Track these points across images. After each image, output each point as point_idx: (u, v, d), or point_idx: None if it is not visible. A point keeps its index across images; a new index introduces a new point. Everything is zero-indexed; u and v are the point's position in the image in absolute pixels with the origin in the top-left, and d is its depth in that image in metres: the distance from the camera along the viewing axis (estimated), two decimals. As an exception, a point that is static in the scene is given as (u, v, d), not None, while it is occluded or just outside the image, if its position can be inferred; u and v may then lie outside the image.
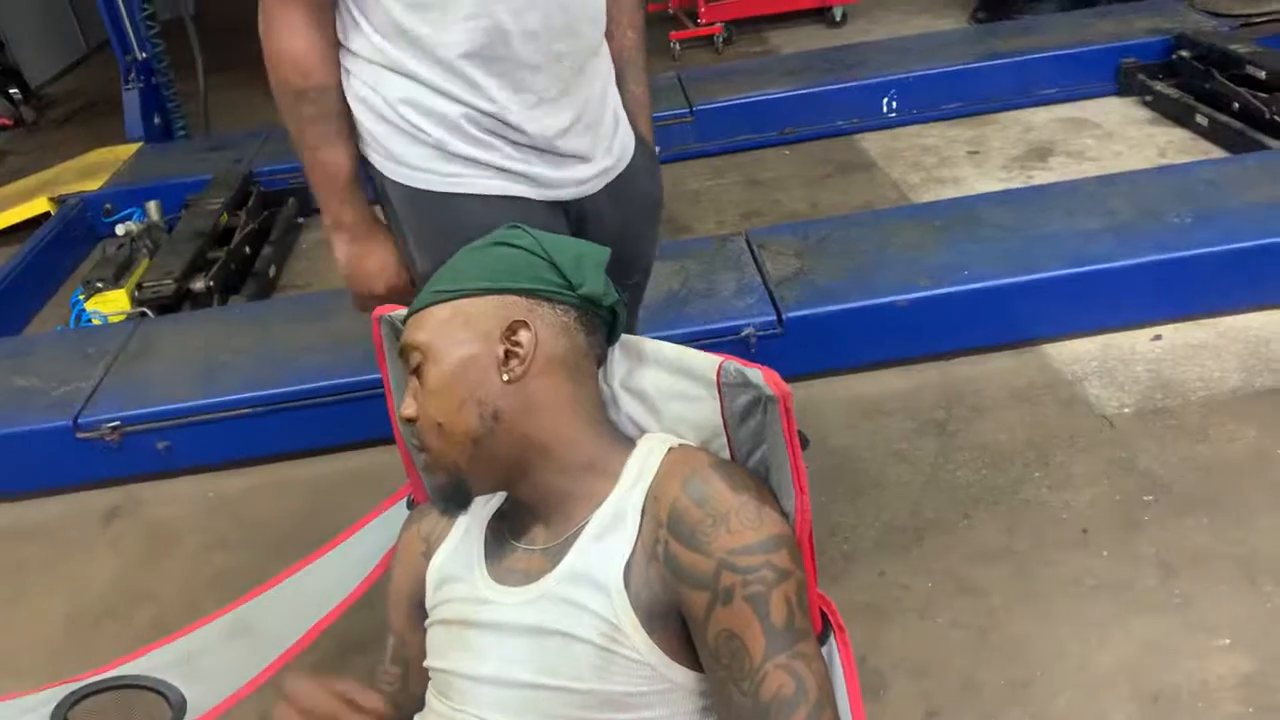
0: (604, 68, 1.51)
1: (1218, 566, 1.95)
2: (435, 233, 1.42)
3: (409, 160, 1.40)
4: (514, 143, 1.40)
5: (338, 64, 1.38)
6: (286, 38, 1.34)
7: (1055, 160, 3.74)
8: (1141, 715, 1.70)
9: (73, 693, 1.22)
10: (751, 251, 2.88)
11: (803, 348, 2.60)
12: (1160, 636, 1.83)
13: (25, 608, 2.33)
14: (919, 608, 1.96)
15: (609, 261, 1.51)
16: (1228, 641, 1.81)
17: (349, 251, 1.49)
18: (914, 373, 2.65)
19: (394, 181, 1.44)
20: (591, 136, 1.47)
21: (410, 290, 1.47)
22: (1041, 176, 3.61)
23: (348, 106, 1.40)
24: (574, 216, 1.50)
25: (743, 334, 2.58)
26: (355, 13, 1.35)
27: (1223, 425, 2.31)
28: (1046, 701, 1.75)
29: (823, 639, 1.07)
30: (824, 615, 1.08)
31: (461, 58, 1.33)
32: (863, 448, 2.41)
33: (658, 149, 5.25)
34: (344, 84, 1.40)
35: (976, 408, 2.49)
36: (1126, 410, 2.40)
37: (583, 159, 1.47)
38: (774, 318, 2.59)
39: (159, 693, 1.24)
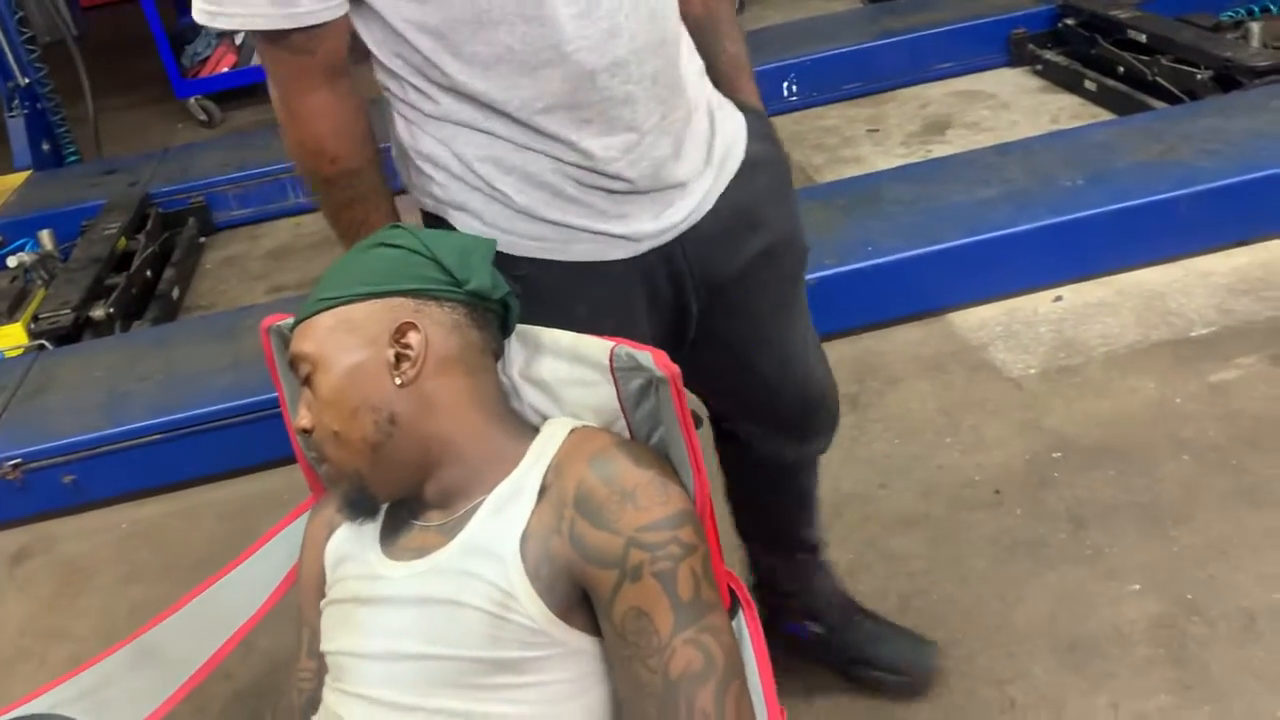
0: (689, 57, 1.26)
1: (1125, 515, 2.01)
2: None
3: (489, 219, 1.20)
4: (611, 192, 1.19)
5: (368, 139, 1.20)
6: (309, 123, 1.16)
7: (953, 133, 3.81)
8: (1059, 666, 1.74)
9: (-30, 738, 1.18)
10: (659, 241, 2.89)
11: (715, 333, 2.61)
12: (1074, 588, 1.88)
13: (-68, 658, 2.24)
14: (842, 579, 1.98)
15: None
16: (1138, 587, 1.86)
17: None
18: (825, 350, 2.67)
19: None
20: (689, 156, 1.24)
21: None
22: (940, 150, 3.68)
23: (383, 180, 1.23)
24: (690, 255, 1.26)
25: (655, 323, 2.59)
26: (405, 72, 1.16)
27: (1123, 379, 2.38)
28: (969, 661, 1.78)
29: (731, 614, 1.07)
30: (732, 592, 1.08)
31: (542, 114, 1.13)
32: (780, 427, 2.43)
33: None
34: (406, 137, 1.22)
35: (888, 380, 2.53)
36: (1032, 371, 2.46)
37: (681, 187, 1.24)
38: (685, 305, 2.60)
39: (63, 730, 1.21)
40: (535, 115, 1.13)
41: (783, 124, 4.16)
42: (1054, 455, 2.19)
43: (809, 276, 2.57)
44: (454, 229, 1.22)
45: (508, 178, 1.17)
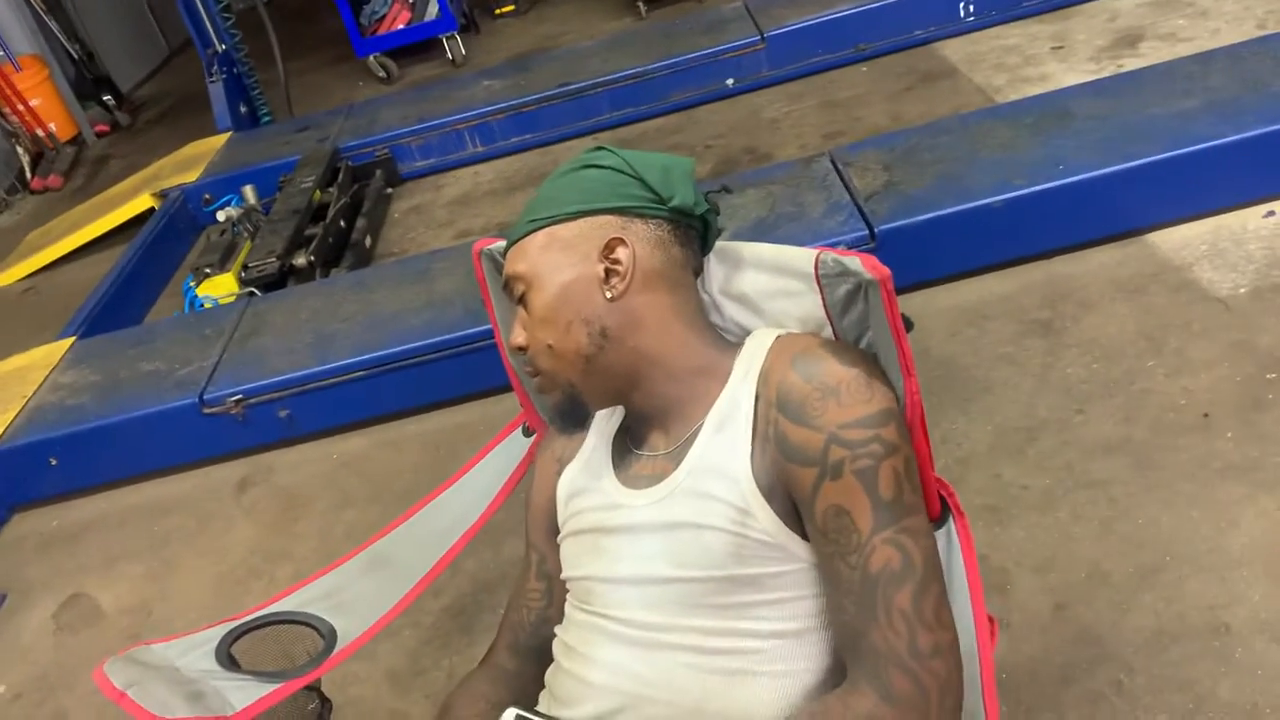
0: None
1: (1351, 438, 1.89)
2: None
3: None
4: None
5: None
6: None
7: (1146, 46, 3.59)
8: (1278, 593, 1.66)
9: (232, 630, 1.30)
10: (837, 170, 2.85)
11: (897, 260, 2.48)
12: (1294, 512, 1.79)
13: (176, 575, 2.47)
14: (1039, 505, 1.94)
15: None
16: (1367, 512, 1.75)
17: None
18: (1015, 275, 2.59)
19: None
20: None
21: None
22: (1133, 64, 3.47)
23: None
24: None
25: (835, 252, 2.56)
26: None
27: (1347, 296, 2.22)
28: (1177, 585, 1.72)
29: (941, 522, 1.07)
30: (942, 499, 1.08)
31: None
32: (968, 354, 2.38)
33: (730, 81, 5.08)
34: None
35: (1083, 303, 2.43)
36: (1242, 290, 2.32)
37: None
38: (866, 232, 2.56)
39: (310, 625, 1.32)
40: None
41: (959, 46, 4.01)
42: (1268, 377, 2.07)
43: (996, 199, 2.52)
44: None
45: None
